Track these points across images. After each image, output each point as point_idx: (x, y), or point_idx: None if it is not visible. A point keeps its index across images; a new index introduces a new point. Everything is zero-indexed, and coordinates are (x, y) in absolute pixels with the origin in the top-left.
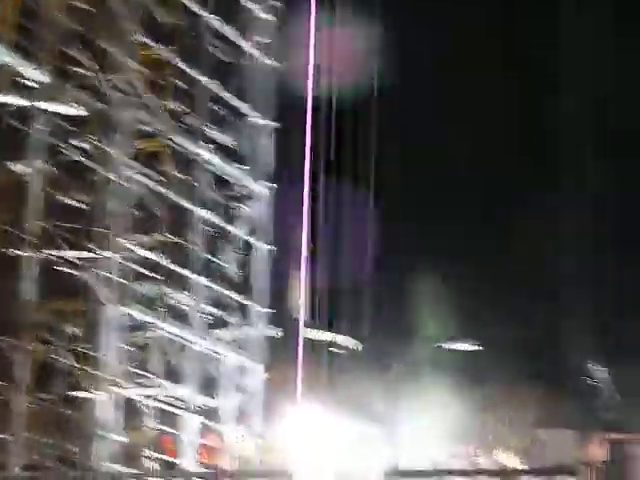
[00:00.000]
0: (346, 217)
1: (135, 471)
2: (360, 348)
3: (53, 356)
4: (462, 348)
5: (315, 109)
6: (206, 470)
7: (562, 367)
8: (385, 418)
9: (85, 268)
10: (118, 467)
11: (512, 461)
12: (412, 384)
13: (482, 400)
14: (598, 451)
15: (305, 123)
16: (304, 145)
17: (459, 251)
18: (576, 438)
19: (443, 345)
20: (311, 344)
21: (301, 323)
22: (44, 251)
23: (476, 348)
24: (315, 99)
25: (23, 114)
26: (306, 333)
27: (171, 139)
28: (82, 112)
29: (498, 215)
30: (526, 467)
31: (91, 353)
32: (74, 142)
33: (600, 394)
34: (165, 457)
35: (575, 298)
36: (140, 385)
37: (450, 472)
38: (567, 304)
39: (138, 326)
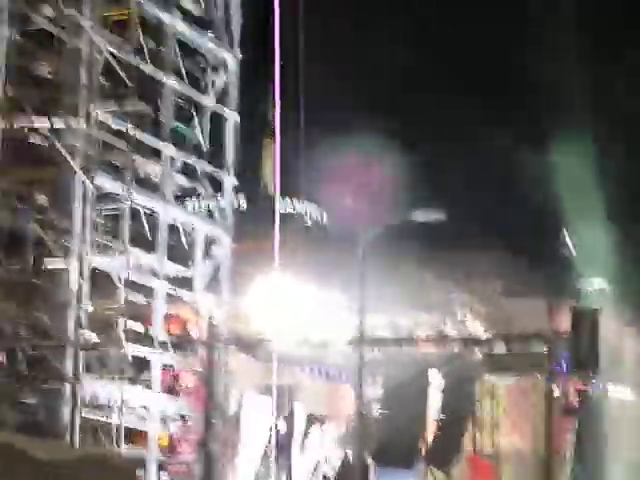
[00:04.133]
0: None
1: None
2: (327, 219)
3: (22, 224)
4: (430, 219)
5: None
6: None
7: (533, 236)
8: (352, 287)
9: (54, 138)
10: (89, 335)
11: (479, 329)
12: (379, 255)
13: (450, 270)
14: (566, 320)
15: None
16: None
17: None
18: (544, 307)
19: (411, 216)
20: (283, 214)
21: (277, 192)
22: (13, 120)
23: (443, 218)
24: None
25: None
26: (279, 203)
27: (139, 6)
28: None
29: None
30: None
31: (61, 223)
32: (42, 10)
33: (571, 263)
34: (135, 327)
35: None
36: (110, 254)
37: (414, 340)
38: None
39: (108, 196)
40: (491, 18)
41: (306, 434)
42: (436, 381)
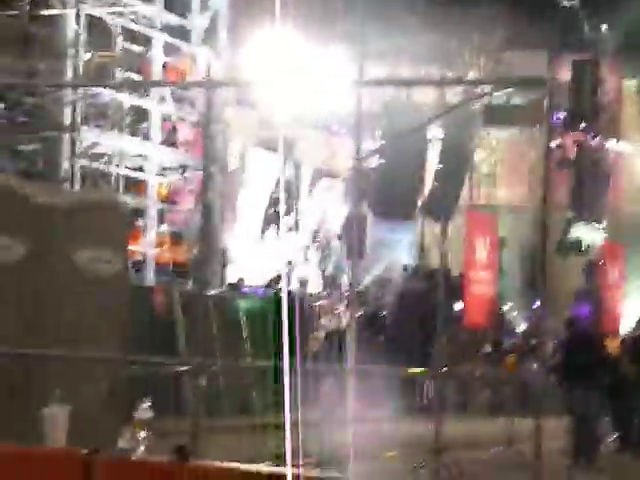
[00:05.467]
0: None
1: None
2: None
3: None
4: None
5: None
6: None
7: None
8: (351, 39)
9: None
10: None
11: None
12: (378, 6)
13: (449, 22)
14: (565, 72)
15: None
16: None
17: None
18: (545, 60)
19: None
20: None
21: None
22: None
23: None
24: None
25: None
26: None
27: None
28: None
29: None
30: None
31: None
32: None
33: (572, 15)
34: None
35: None
36: (107, 2)
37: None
38: None
39: None
40: None
41: (312, 185)
42: (435, 131)
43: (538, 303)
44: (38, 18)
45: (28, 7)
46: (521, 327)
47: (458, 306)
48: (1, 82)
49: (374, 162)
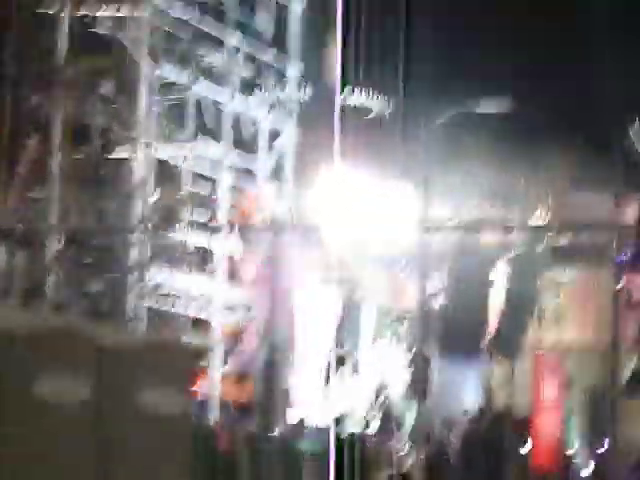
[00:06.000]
0: None
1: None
2: (392, 111)
3: (87, 114)
4: (494, 110)
5: None
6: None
7: (601, 128)
8: (417, 177)
9: (118, 27)
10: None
11: (545, 221)
12: (444, 146)
13: (516, 161)
14: (632, 214)
15: None
16: None
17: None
18: (611, 200)
19: (474, 108)
20: (346, 106)
21: (337, 84)
22: (78, 9)
23: (508, 110)
24: None
25: None
26: (342, 95)
27: None
28: None
29: None
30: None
31: (125, 112)
32: None
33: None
34: (199, 217)
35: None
36: (175, 145)
37: (480, 228)
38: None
39: (172, 85)
40: None
41: (376, 330)
42: (500, 270)
43: (605, 447)
44: (107, 159)
45: (98, 150)
46: (587, 471)
47: (524, 449)
48: (73, 226)
49: (439, 302)
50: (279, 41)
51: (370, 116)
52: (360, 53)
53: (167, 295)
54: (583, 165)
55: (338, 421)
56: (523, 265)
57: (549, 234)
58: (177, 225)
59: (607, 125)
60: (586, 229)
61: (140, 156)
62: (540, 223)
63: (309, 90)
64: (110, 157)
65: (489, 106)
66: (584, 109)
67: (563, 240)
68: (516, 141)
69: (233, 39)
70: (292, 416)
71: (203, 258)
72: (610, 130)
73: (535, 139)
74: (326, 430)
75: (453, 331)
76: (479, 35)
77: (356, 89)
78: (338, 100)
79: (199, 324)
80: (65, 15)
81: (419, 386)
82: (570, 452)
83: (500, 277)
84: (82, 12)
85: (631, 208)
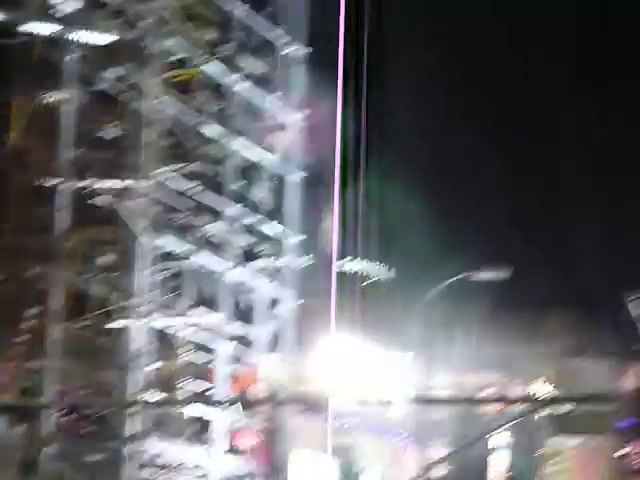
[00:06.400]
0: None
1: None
2: (390, 277)
3: (87, 285)
4: (491, 277)
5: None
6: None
7: (596, 295)
8: (415, 346)
9: (118, 198)
10: (152, 394)
11: (544, 389)
12: (442, 313)
13: (515, 328)
14: (631, 381)
15: (337, 48)
16: (336, 69)
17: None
18: (609, 368)
19: (471, 275)
20: (343, 273)
21: (334, 252)
22: (77, 181)
23: (504, 277)
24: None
25: (55, 43)
26: (339, 263)
27: (203, 68)
28: (113, 39)
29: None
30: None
31: (125, 283)
32: (106, 72)
33: (636, 323)
34: (197, 387)
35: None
36: (173, 314)
37: (480, 400)
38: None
39: (171, 255)
40: None
41: None
42: (502, 440)
43: None
44: (106, 330)
45: (97, 320)
46: None
47: None
48: (72, 398)
49: (440, 470)
50: (277, 211)
51: (369, 282)
52: (359, 222)
53: (164, 466)
54: (583, 334)
55: None
56: (524, 433)
57: (549, 404)
58: (175, 395)
59: (605, 296)
60: (586, 400)
61: (139, 326)
62: (541, 392)
63: (308, 258)
64: (109, 327)
65: (488, 273)
66: (582, 280)
67: (564, 408)
68: (515, 309)
69: (231, 209)
70: None
71: (202, 429)
72: (609, 301)
73: (534, 305)
74: None
75: None
76: (477, 207)
77: (354, 256)
78: (334, 267)
79: None
80: (65, 187)
81: None
82: None
83: (502, 445)
84: (82, 184)
85: (631, 376)
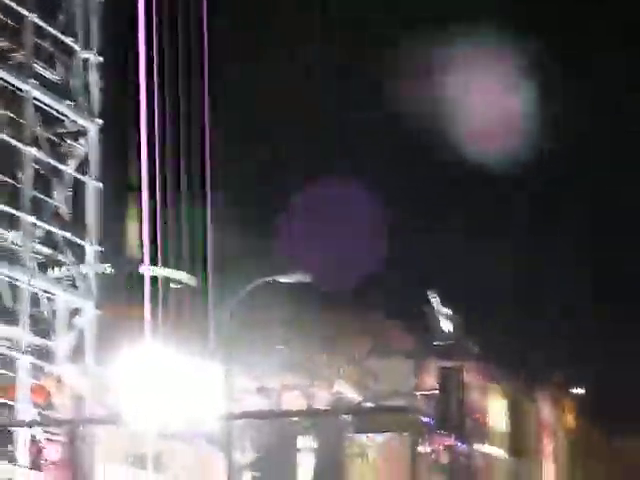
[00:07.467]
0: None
1: None
2: (196, 283)
3: None
4: (296, 280)
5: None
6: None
7: (402, 297)
8: (219, 354)
9: None
10: None
11: (346, 389)
12: (246, 318)
13: (318, 330)
14: (430, 379)
15: (136, 57)
16: (137, 79)
17: None
18: (411, 367)
19: (277, 279)
20: (150, 280)
21: (145, 259)
22: None
23: (310, 281)
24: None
25: None
26: (146, 270)
27: None
28: None
29: None
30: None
31: None
32: None
33: (437, 325)
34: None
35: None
36: None
37: (286, 413)
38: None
39: None
40: None
41: None
42: (306, 443)
43: None
44: None
45: None
46: None
47: None
48: None
49: (247, 475)
50: (78, 218)
51: (177, 287)
52: (167, 228)
53: None
54: (382, 333)
55: None
56: (328, 434)
57: (351, 402)
58: None
59: (408, 296)
60: (388, 399)
61: None
62: (341, 391)
63: (111, 264)
64: None
65: (292, 276)
66: (386, 280)
67: (367, 406)
68: (318, 311)
69: (29, 218)
70: None
71: (3, 441)
72: (411, 301)
73: (336, 308)
74: None
75: None
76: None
77: (162, 262)
78: (147, 272)
79: None
80: None
81: None
82: None
83: (306, 447)
84: None
85: (431, 374)
